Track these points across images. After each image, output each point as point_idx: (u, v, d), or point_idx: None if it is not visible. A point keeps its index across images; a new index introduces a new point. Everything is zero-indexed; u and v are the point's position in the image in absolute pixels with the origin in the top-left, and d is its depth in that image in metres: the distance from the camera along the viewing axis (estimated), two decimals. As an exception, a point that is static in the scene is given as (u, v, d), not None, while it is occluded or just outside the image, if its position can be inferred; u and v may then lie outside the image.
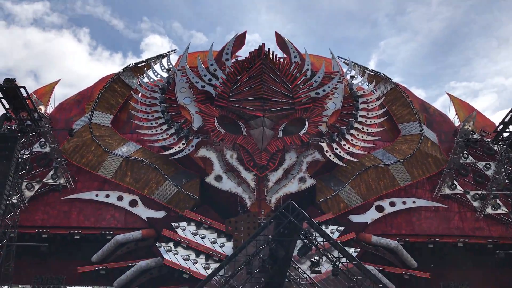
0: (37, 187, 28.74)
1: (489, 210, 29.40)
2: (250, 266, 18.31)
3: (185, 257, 26.33)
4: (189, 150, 28.14)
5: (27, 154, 23.75)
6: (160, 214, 28.37)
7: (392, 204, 29.41)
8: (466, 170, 31.12)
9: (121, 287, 27.49)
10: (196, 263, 26.18)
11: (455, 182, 30.15)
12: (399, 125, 32.75)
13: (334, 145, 28.54)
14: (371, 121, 30.30)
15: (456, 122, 33.82)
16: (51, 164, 29.26)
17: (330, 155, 28.41)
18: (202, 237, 26.97)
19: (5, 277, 20.84)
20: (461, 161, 30.72)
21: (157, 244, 26.85)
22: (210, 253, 26.35)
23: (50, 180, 28.82)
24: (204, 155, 28.38)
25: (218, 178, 27.85)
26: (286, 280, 21.88)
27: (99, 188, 29.47)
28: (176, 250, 26.59)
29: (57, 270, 28.15)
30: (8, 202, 20.31)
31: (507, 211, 28.96)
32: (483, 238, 28.86)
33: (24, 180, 24.97)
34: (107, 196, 29.00)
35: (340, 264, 18.09)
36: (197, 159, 28.71)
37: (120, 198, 28.90)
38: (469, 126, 31.73)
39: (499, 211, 29.33)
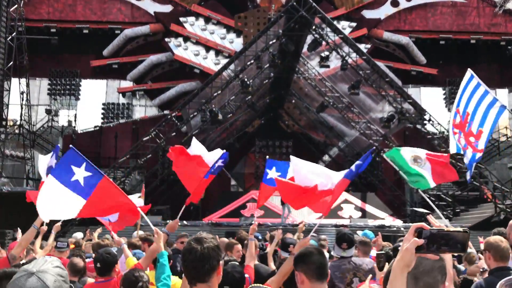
0: (37, -22, 27.43)
1: (509, 5, 28.03)
2: (260, 61, 18.43)
3: (195, 52, 26.45)
4: None
5: None
6: (167, 8, 27.57)
7: (408, -1, 28.14)
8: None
9: (135, 80, 28.47)
10: (206, 58, 26.43)
11: (478, -26, 28.18)
12: None
13: None
14: None
15: None
16: (47, -47, 27.40)
17: None
18: (211, 33, 26.66)
19: (21, 70, 21.39)
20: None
21: (166, 39, 26.74)
22: (219, 49, 26.38)
23: (50, -30, 27.34)
24: None
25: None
26: (295, 75, 22.33)
27: (102, -21, 28.09)
28: (185, 46, 26.60)
29: (70, 65, 28.83)
30: (9, -7, 19.63)
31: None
32: (498, 34, 28.19)
33: (22, -30, 23.62)
34: (111, -12, 27.81)
35: (350, 59, 18.16)
36: None
37: (124, -9, 27.75)
38: None
39: (519, 6, 28.08)
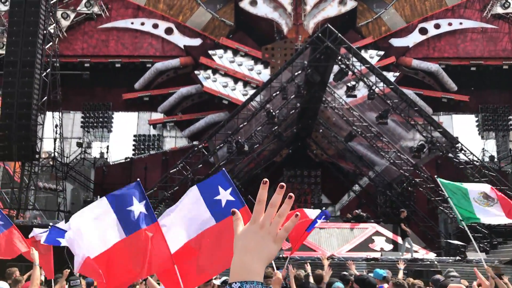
0: (72, 16, 28.60)
1: (543, 30, 27.41)
2: (286, 91, 18.46)
3: (224, 84, 26.78)
4: (221, -28, 26.55)
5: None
6: (196, 42, 28.18)
7: (437, 26, 27.81)
8: (524, -14, 28.28)
9: (165, 112, 28.98)
10: (234, 89, 26.70)
11: (509, -1, 27.71)
12: None
13: (379, -39, 26.13)
14: None
15: None
16: (83, -8, 28.62)
17: (373, -27, 26.23)
18: (239, 65, 27.01)
19: (55, 105, 22.10)
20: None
21: (195, 72, 27.23)
22: (247, 80, 26.64)
23: (84, 9, 28.49)
24: (237, -22, 26.80)
25: (253, 2, 26.65)
26: (322, 105, 22.23)
27: (133, 15, 29.04)
28: (214, 78, 27.00)
29: (103, 98, 29.67)
30: (45, 32, 20.45)
31: None
32: (532, 60, 27.53)
33: (58, 9, 24.73)
34: (143, 24, 28.70)
35: (377, 89, 17.98)
36: (230, -18, 27.21)
37: (155, 26, 28.58)
38: None
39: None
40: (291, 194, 1.46)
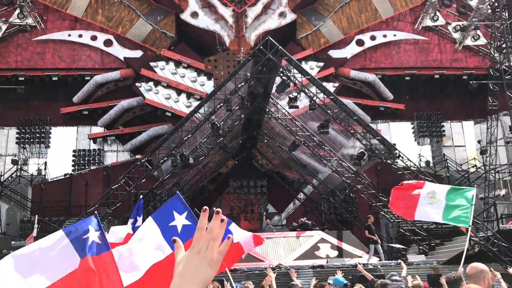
0: (4, 27, 27.38)
1: (468, 41, 29.21)
2: (230, 103, 18.54)
3: (166, 96, 26.51)
4: (161, -16, 26.38)
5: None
6: (137, 53, 27.78)
7: (373, 38, 29.02)
8: (450, 0, 30.10)
9: (106, 126, 28.22)
10: (177, 101, 26.48)
11: (437, 13, 29.39)
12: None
13: (316, -25, 26.95)
14: None
15: None
16: (15, 3, 27.48)
17: (311, -14, 27.00)
18: (182, 76, 26.85)
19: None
20: (446, -10, 29.56)
21: (137, 84, 26.80)
22: (191, 92, 26.52)
23: (17, 20, 27.37)
24: (177, -11, 26.73)
25: (194, 14, 26.68)
26: (266, 115, 22.51)
27: (70, 27, 28.23)
28: (156, 90, 26.67)
29: (40, 112, 28.47)
30: (-26, 45, 19.45)
31: (486, 42, 28.86)
32: (459, 69, 29.26)
33: (-11, 21, 23.64)
34: (80, 36, 27.95)
35: (317, 99, 18.45)
36: (170, -6, 27.08)
37: (94, 38, 27.91)
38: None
39: (478, 42, 29.21)
40: (223, 217, 1.53)
